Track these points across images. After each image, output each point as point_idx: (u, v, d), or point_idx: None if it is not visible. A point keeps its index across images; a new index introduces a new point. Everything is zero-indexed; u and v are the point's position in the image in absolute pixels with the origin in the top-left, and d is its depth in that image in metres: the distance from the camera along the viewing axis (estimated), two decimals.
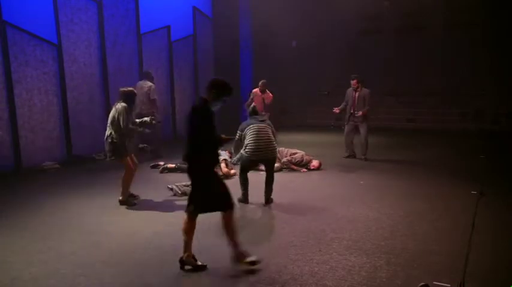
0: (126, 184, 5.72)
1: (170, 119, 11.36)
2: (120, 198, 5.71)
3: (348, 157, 8.55)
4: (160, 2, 10.82)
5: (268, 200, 5.66)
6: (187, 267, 3.67)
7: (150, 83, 8.67)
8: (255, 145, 5.43)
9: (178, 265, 3.71)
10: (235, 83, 14.09)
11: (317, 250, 4.04)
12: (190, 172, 3.69)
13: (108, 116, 5.69)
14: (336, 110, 8.46)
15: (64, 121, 8.64)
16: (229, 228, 3.70)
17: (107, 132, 5.60)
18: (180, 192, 6.04)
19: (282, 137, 10.90)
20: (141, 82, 8.79)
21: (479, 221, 4.34)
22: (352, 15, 12.85)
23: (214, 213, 3.71)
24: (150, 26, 10.54)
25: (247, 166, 5.65)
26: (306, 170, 7.54)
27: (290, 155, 7.64)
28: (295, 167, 7.55)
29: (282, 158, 7.58)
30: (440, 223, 4.75)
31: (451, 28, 11.99)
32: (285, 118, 13.57)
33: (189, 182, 3.82)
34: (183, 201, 5.77)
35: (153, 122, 6.05)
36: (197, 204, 3.64)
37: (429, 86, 12.38)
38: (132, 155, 5.85)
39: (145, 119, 6.01)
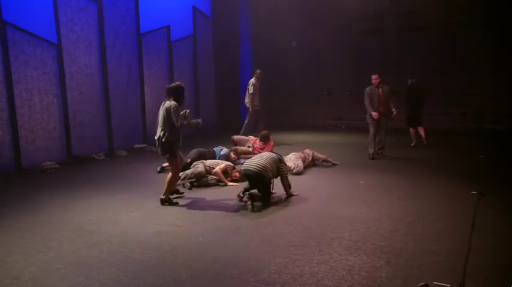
0: (170, 184, 5.68)
1: None
2: (163, 197, 5.66)
3: (373, 158, 8.31)
4: (160, 2, 10.83)
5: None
6: None
7: (251, 80, 10.54)
8: (248, 161, 5.82)
9: (178, 265, 3.70)
10: (235, 83, 14.14)
11: (317, 250, 4.04)
12: None
13: (108, 117, 5.69)
14: (375, 114, 8.20)
15: (64, 121, 8.64)
16: None
17: (159, 133, 5.50)
18: (189, 185, 6.47)
19: (283, 137, 10.92)
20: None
21: (479, 221, 4.35)
22: (352, 15, 12.84)
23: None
24: (150, 26, 10.55)
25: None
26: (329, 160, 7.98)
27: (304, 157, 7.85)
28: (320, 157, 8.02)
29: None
30: (440, 223, 4.75)
31: (451, 28, 11.98)
32: (285, 118, 13.58)
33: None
34: (183, 201, 5.80)
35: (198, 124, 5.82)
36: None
37: (429, 86, 12.37)
38: (180, 152, 5.81)
39: (192, 121, 5.77)
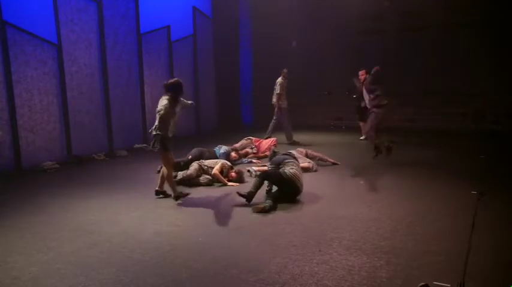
0: (170, 179, 5.74)
1: None
2: (172, 195, 5.75)
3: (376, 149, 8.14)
4: (160, 2, 10.83)
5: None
6: None
7: (278, 79, 10.45)
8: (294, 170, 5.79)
9: (178, 265, 3.70)
10: (235, 83, 14.15)
11: (317, 250, 4.04)
12: None
13: (108, 117, 5.69)
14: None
15: (64, 121, 8.64)
16: None
17: (153, 126, 5.55)
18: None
19: (283, 137, 10.90)
20: None
21: (479, 221, 4.36)
22: (352, 15, 12.85)
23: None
24: (150, 26, 10.55)
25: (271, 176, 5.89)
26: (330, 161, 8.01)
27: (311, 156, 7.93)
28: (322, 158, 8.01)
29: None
30: (440, 223, 4.75)
31: (451, 28, 11.99)
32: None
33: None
34: (183, 201, 5.80)
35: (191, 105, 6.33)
36: None
37: (429, 86, 12.38)
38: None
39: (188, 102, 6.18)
